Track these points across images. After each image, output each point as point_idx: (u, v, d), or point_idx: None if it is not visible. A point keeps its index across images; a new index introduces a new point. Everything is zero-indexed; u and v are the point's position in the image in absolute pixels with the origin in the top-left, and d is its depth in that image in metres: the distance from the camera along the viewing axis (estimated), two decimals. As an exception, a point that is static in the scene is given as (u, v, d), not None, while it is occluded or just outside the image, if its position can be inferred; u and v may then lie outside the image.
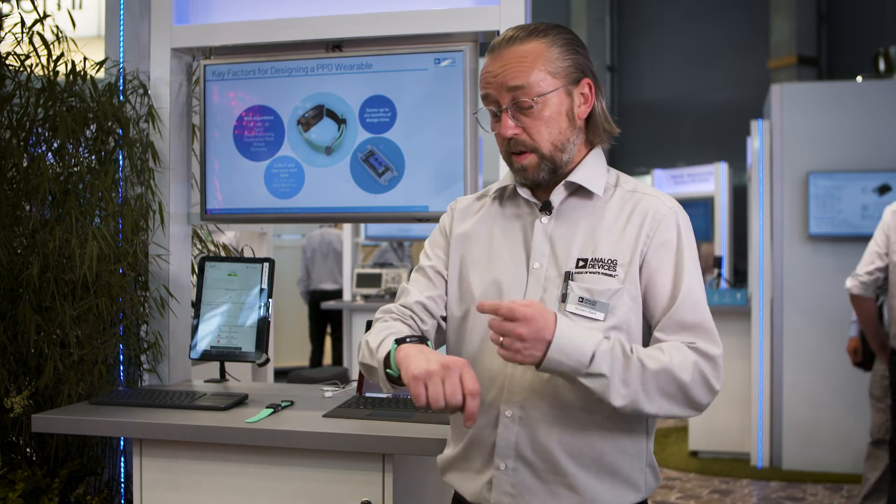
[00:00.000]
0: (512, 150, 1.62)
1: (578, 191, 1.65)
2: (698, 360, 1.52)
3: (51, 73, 2.71)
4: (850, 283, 3.80)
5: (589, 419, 1.56)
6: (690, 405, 1.52)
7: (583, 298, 1.58)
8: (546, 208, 1.65)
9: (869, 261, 3.75)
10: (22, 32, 2.73)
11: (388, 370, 1.52)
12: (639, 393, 1.48)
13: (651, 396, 1.49)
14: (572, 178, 1.64)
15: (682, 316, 1.56)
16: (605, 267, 1.59)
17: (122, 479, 2.83)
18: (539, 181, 1.64)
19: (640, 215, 1.62)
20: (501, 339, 1.43)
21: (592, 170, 1.66)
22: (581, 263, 1.60)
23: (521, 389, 1.59)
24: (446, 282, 1.72)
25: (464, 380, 1.39)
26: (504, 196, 1.73)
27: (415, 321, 1.70)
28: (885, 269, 3.71)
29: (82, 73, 2.75)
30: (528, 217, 1.68)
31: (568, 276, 1.60)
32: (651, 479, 1.64)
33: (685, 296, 1.57)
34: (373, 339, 1.62)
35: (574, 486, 1.57)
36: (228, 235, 3.98)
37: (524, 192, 1.67)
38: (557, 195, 1.65)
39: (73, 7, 4.68)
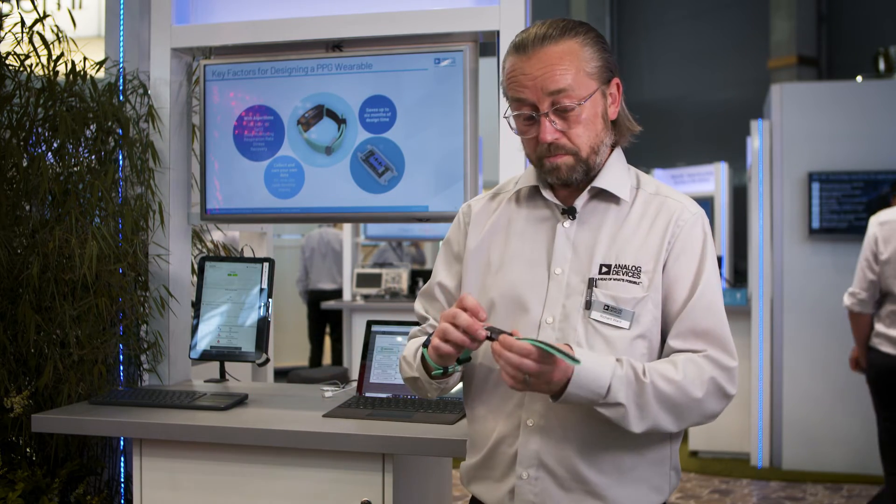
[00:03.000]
0: (550, 153, 1.57)
1: (600, 194, 1.62)
2: (713, 372, 1.53)
3: (51, 73, 2.71)
4: (847, 300, 3.87)
5: (608, 427, 1.52)
6: (705, 417, 1.56)
7: (608, 306, 1.55)
8: (569, 213, 1.62)
9: (861, 276, 3.84)
10: (22, 32, 2.73)
11: (434, 372, 1.58)
12: (656, 416, 1.49)
13: (667, 417, 1.50)
14: (598, 182, 1.61)
15: (695, 320, 1.55)
16: (630, 274, 1.56)
17: (122, 479, 2.83)
18: (571, 182, 1.60)
19: (664, 220, 1.59)
20: (525, 377, 1.42)
21: (617, 172, 1.63)
22: (604, 270, 1.57)
23: (541, 398, 1.56)
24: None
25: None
26: (520, 196, 1.68)
27: None
28: (878, 282, 3.78)
29: (82, 72, 2.75)
30: (550, 220, 1.64)
31: (591, 283, 1.56)
32: (675, 480, 1.65)
33: (699, 299, 1.56)
34: (408, 355, 1.69)
35: (596, 493, 1.55)
36: (230, 236, 3.97)
37: (548, 195, 1.63)
38: (581, 200, 1.62)
39: (73, 7, 4.67)
